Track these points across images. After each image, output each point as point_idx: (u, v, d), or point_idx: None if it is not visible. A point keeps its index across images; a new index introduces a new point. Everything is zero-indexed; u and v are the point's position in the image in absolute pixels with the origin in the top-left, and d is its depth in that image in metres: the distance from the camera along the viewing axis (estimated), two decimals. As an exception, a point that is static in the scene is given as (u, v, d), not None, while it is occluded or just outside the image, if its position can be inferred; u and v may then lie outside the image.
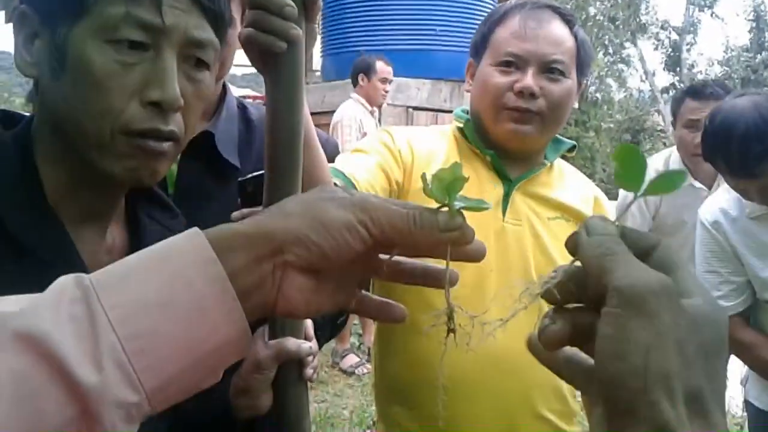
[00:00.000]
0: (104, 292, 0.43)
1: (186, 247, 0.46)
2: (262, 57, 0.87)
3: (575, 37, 1.38)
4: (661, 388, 0.39)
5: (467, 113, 1.47)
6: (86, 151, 0.74)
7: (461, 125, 1.44)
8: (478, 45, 1.44)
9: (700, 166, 2.55)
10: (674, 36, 18.72)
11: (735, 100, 1.74)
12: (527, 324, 0.48)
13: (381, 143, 1.38)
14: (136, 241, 0.86)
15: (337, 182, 1.19)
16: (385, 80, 4.73)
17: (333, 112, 4.71)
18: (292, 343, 0.91)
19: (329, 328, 1.23)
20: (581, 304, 0.47)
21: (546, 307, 0.46)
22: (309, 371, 0.95)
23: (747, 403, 2.10)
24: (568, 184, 1.47)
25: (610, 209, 1.56)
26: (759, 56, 17.80)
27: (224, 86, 1.34)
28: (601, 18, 15.36)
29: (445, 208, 0.50)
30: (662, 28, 18.63)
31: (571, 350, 0.49)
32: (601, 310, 0.42)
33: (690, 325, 0.41)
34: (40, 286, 0.73)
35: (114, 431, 0.42)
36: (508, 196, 1.38)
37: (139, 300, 0.44)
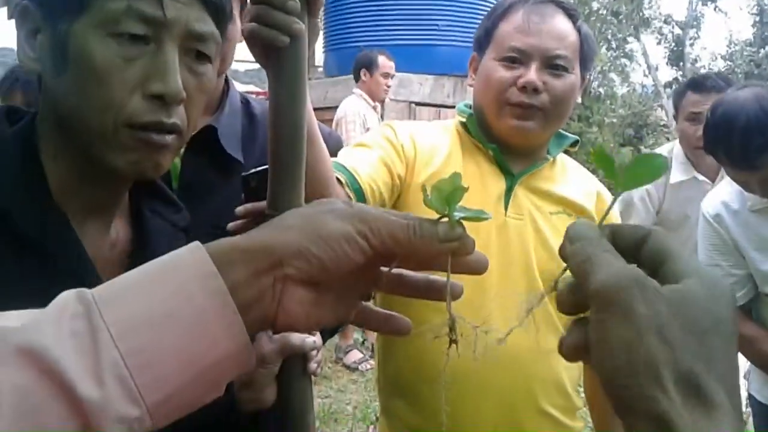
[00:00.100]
0: (106, 307, 0.44)
1: (187, 261, 0.46)
2: (265, 52, 0.87)
3: (578, 31, 1.37)
4: (651, 380, 0.39)
5: (470, 108, 1.47)
6: (90, 144, 0.74)
7: (464, 119, 1.44)
8: (481, 39, 1.43)
9: (702, 159, 2.54)
10: (677, 30, 18.66)
11: (737, 92, 1.73)
12: (529, 320, 0.49)
13: (383, 138, 1.38)
14: (140, 236, 0.87)
15: (340, 176, 1.19)
16: (387, 75, 4.72)
17: (336, 107, 4.71)
18: (296, 337, 0.91)
19: (332, 323, 1.23)
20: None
21: (551, 308, 0.47)
22: (313, 365, 0.96)
23: (750, 397, 2.10)
24: (570, 178, 1.47)
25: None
26: (762, 50, 17.74)
27: (227, 81, 1.34)
28: (604, 12, 15.32)
29: (445, 219, 0.50)
30: (665, 22, 18.56)
31: None
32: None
33: (673, 309, 0.41)
34: (45, 280, 0.73)
35: None
36: (510, 190, 1.38)
37: (141, 315, 0.44)
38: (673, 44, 18.77)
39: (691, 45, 19.03)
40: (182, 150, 1.17)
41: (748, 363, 2.04)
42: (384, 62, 4.70)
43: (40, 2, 0.75)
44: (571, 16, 1.38)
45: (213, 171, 1.23)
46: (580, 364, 1.29)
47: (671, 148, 2.80)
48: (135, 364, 0.42)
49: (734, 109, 1.67)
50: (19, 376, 0.40)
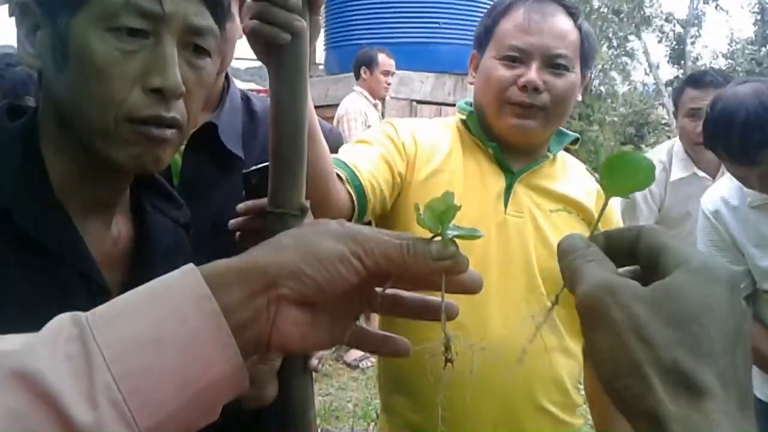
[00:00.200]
0: (99, 330, 0.43)
1: (181, 284, 0.46)
2: (266, 49, 0.87)
3: (579, 30, 1.37)
4: (637, 380, 0.40)
5: (470, 105, 1.47)
6: (91, 139, 0.74)
7: (464, 117, 1.44)
8: (481, 37, 1.43)
9: (702, 155, 2.54)
10: (678, 29, 18.61)
11: (736, 87, 1.73)
12: (528, 317, 0.49)
13: (384, 135, 1.38)
14: (141, 232, 0.87)
15: (340, 173, 1.19)
16: (387, 73, 4.72)
17: (336, 105, 4.71)
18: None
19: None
20: None
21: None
22: (314, 361, 0.96)
23: (751, 395, 2.10)
24: (571, 176, 1.47)
25: (614, 203, 1.56)
26: (763, 49, 17.70)
27: (227, 78, 1.34)
28: (605, 10, 15.27)
29: (438, 238, 0.51)
30: (666, 20, 18.52)
31: None
32: None
33: (655, 306, 0.41)
34: (47, 278, 0.73)
35: None
36: (510, 188, 1.38)
37: (134, 337, 0.44)
38: (675, 42, 18.73)
39: (693, 43, 18.99)
40: (183, 147, 1.17)
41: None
42: (384, 60, 4.70)
43: None
44: (572, 14, 1.38)
45: (213, 168, 1.23)
46: (580, 360, 1.29)
47: (671, 146, 2.80)
48: (128, 388, 0.42)
49: (733, 104, 1.67)
50: (14, 400, 0.40)
